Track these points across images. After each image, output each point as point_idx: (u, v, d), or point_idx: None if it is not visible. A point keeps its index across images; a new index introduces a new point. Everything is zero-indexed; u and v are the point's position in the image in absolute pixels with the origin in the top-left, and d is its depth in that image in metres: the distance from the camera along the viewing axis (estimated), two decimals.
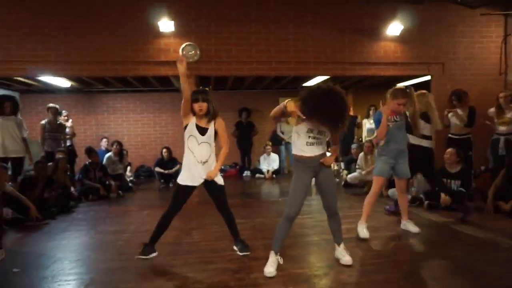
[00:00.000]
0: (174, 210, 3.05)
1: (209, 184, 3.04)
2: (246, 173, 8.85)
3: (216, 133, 3.03)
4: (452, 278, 2.55)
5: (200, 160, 2.97)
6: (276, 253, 2.76)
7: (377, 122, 3.64)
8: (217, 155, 3.10)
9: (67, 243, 3.70)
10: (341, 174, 7.32)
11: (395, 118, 3.57)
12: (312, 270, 2.84)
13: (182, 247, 3.43)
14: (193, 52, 5.51)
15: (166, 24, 5.34)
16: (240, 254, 3.12)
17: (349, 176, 6.53)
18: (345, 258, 2.84)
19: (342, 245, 2.90)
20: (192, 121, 2.97)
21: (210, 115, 2.97)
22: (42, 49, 5.22)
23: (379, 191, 3.75)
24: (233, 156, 9.45)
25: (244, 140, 9.04)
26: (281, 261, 2.76)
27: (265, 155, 8.69)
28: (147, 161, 9.25)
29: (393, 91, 3.53)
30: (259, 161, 8.93)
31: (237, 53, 5.66)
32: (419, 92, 4.24)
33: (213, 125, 3.00)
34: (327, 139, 2.75)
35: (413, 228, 3.71)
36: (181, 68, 2.85)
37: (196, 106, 2.91)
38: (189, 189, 3.04)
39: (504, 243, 3.26)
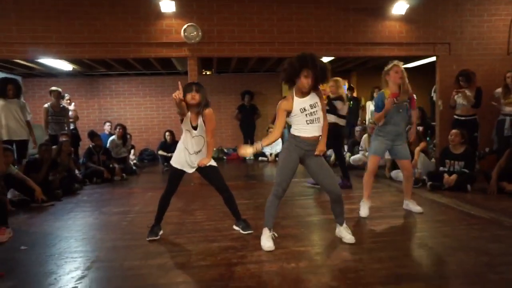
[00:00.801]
0: (170, 191, 3.13)
1: (201, 169, 3.12)
2: (249, 156, 8.85)
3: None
4: (454, 255, 2.56)
5: (192, 151, 3.06)
6: (269, 229, 2.81)
7: (377, 104, 3.60)
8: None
9: (72, 223, 3.75)
10: (345, 156, 7.29)
11: (395, 100, 3.50)
12: (314, 248, 2.86)
13: (185, 227, 3.46)
14: (195, 33, 5.45)
15: (167, 5, 5.26)
16: (244, 232, 3.16)
17: (352, 157, 6.52)
18: (348, 236, 2.86)
19: (344, 225, 2.91)
20: (187, 116, 3.01)
21: (201, 107, 2.98)
22: (42, 31, 5.17)
23: (375, 170, 3.77)
24: (236, 140, 9.46)
25: (247, 123, 9.01)
26: (275, 235, 2.84)
27: None
28: (151, 145, 9.29)
29: (387, 65, 3.56)
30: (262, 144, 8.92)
31: (239, 34, 5.58)
32: (335, 78, 4.95)
33: (201, 119, 3.02)
34: (321, 117, 2.73)
35: (415, 208, 3.72)
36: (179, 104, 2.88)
37: (189, 96, 2.92)
38: (180, 172, 3.11)
39: (507, 222, 3.26)
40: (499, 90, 5.32)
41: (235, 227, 3.27)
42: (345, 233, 2.89)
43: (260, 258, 2.62)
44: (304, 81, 2.59)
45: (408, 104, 3.61)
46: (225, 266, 2.51)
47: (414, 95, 3.70)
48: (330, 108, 4.75)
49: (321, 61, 2.63)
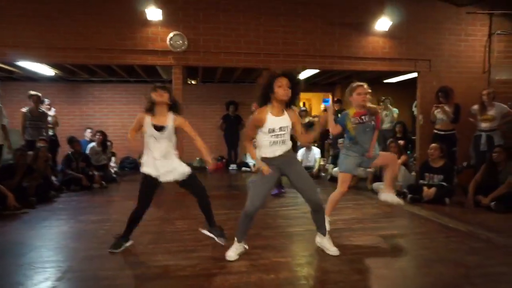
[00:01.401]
0: (143, 205, 2.94)
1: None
2: (232, 166, 8.81)
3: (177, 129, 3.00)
4: (432, 267, 2.58)
5: (159, 156, 2.92)
6: (239, 242, 2.78)
7: (340, 123, 3.46)
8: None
9: (46, 232, 3.61)
10: (327, 168, 7.35)
11: (359, 119, 3.36)
12: (294, 259, 2.84)
13: (164, 236, 3.38)
14: (180, 42, 5.44)
15: (153, 12, 5.25)
16: (218, 241, 3.05)
17: (334, 169, 6.55)
18: (332, 248, 2.83)
19: (327, 236, 2.88)
20: (147, 122, 2.90)
21: (173, 108, 2.95)
22: (24, 34, 5.06)
23: (346, 190, 3.44)
24: (220, 150, 9.40)
25: (231, 133, 8.98)
26: (246, 247, 2.81)
27: None
28: (132, 153, 9.09)
29: (350, 86, 3.44)
30: (245, 154, 8.90)
31: (225, 44, 5.61)
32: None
33: (172, 122, 2.93)
34: (289, 134, 2.71)
35: (392, 199, 3.49)
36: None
37: (157, 95, 2.86)
38: (154, 181, 2.94)
39: (483, 235, 3.32)
40: (475, 106, 5.50)
41: (205, 232, 3.12)
42: (328, 245, 2.86)
43: (240, 269, 2.58)
44: (280, 91, 2.55)
45: (374, 123, 3.41)
46: (204, 276, 2.45)
47: (380, 115, 3.65)
48: None
49: (294, 72, 2.63)
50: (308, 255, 2.90)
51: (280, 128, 2.63)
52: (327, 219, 3.39)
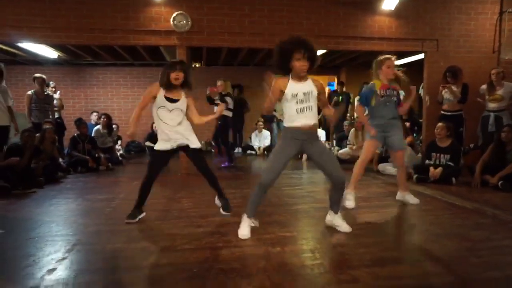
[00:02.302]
0: (151, 177, 3.08)
1: (185, 149, 3.13)
2: (238, 149, 8.83)
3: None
4: (438, 242, 2.58)
5: (172, 124, 3.03)
6: (249, 217, 2.73)
7: (365, 95, 3.56)
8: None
9: (54, 209, 3.66)
10: (332, 151, 7.34)
11: (384, 92, 3.45)
12: (300, 233, 2.85)
13: (171, 213, 3.42)
14: (184, 21, 5.38)
15: None
16: (223, 212, 3.20)
17: (339, 151, 6.55)
18: (344, 225, 2.78)
19: (339, 214, 2.83)
20: (160, 94, 3.01)
21: (186, 87, 3.03)
22: (26, 14, 5.03)
23: (370, 158, 3.66)
24: None
25: (236, 117, 8.93)
26: (257, 224, 2.75)
27: (256, 131, 8.66)
28: (137, 136, 9.12)
29: (378, 59, 3.50)
30: (250, 137, 8.90)
31: (229, 24, 5.54)
32: (224, 79, 6.39)
33: (184, 98, 3.07)
34: (316, 104, 2.65)
35: (412, 199, 3.65)
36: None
37: (173, 75, 2.94)
38: (165, 156, 3.10)
39: (489, 211, 3.31)
40: (484, 86, 5.41)
41: (216, 202, 3.33)
42: (340, 222, 2.80)
43: (246, 243, 2.60)
44: (298, 64, 2.49)
45: (396, 98, 3.53)
46: (210, 249, 2.47)
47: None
48: (222, 102, 5.47)
49: (312, 42, 2.53)
50: (314, 230, 2.92)
51: (304, 94, 2.56)
52: (352, 195, 3.54)
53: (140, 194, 3.10)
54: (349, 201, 3.55)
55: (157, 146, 3.09)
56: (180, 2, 5.39)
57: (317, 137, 2.75)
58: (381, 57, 3.49)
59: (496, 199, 3.85)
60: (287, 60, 2.52)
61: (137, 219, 3.08)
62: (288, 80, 2.59)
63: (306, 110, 2.59)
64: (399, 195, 3.78)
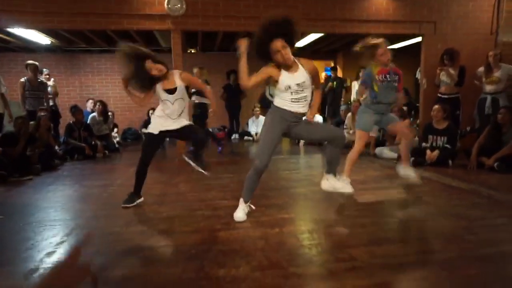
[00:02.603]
0: (146, 160, 3.06)
1: (177, 132, 3.08)
2: (235, 136, 8.81)
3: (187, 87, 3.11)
4: (434, 220, 2.61)
5: (175, 116, 3.03)
6: (246, 202, 2.71)
7: (365, 80, 3.46)
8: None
9: (51, 195, 3.65)
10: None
11: (383, 77, 3.36)
12: (298, 215, 2.87)
13: (168, 197, 3.42)
14: (178, 5, 5.29)
15: None
16: (196, 168, 3.17)
17: None
18: (347, 186, 2.81)
19: (338, 177, 2.80)
20: (158, 89, 2.98)
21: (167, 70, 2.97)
22: None
23: (363, 148, 3.57)
24: (222, 119, 9.37)
25: (233, 103, 8.88)
26: (253, 208, 2.76)
27: (253, 117, 8.62)
28: (134, 124, 9.11)
29: (368, 48, 3.29)
30: (247, 124, 8.88)
31: (224, 7, 5.45)
32: (200, 67, 6.17)
33: (179, 80, 3.00)
34: (310, 90, 2.60)
35: (412, 173, 3.56)
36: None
37: (153, 69, 2.87)
38: (158, 139, 3.09)
39: (485, 192, 3.34)
40: (481, 69, 5.39)
41: (185, 158, 3.21)
42: (340, 184, 2.81)
43: (244, 225, 2.61)
44: (280, 57, 2.39)
45: (397, 82, 3.44)
46: (208, 231, 2.48)
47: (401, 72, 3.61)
48: (198, 91, 5.55)
49: (286, 19, 2.42)
50: (311, 212, 2.95)
51: (298, 85, 2.49)
52: (346, 180, 3.34)
53: (136, 178, 3.09)
54: (346, 187, 3.47)
55: (152, 129, 3.07)
56: None
57: (304, 120, 2.72)
58: (369, 43, 3.28)
59: (492, 180, 3.89)
60: (267, 54, 2.43)
61: (135, 203, 3.08)
62: (281, 70, 2.50)
63: (301, 100, 2.55)
64: (400, 169, 3.65)
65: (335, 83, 7.92)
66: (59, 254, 2.15)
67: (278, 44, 2.39)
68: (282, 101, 2.57)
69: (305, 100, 2.57)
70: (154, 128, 3.05)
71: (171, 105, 2.99)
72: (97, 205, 3.24)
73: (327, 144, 2.73)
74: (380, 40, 3.30)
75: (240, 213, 2.68)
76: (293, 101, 2.54)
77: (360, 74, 7.58)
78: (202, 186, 3.78)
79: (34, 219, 2.84)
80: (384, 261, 1.97)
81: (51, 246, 2.27)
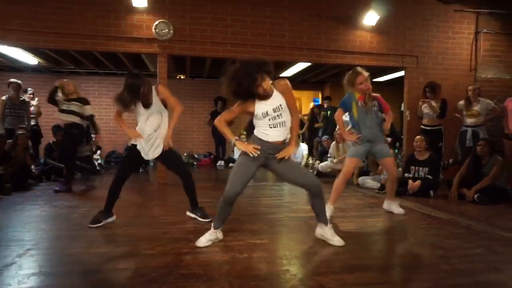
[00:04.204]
0: (123, 175, 3.01)
1: (160, 155, 3.08)
2: (220, 163, 8.72)
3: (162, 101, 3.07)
4: (409, 249, 2.53)
5: (150, 131, 3.01)
6: (215, 228, 2.58)
7: (345, 103, 3.51)
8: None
9: (17, 214, 3.47)
10: (314, 165, 7.29)
11: (361, 104, 3.40)
12: (271, 241, 2.74)
13: (139, 220, 3.27)
14: (166, 30, 5.36)
15: None
16: (202, 220, 3.14)
17: (320, 164, 6.51)
18: (335, 238, 2.59)
19: (329, 225, 2.66)
20: (136, 107, 3.00)
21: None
22: (2, 15, 4.92)
23: (350, 173, 3.57)
24: (208, 146, 9.33)
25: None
26: (220, 236, 2.60)
27: None
28: (118, 147, 8.98)
29: (349, 77, 3.40)
30: (233, 151, 8.82)
31: (212, 34, 5.54)
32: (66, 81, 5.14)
33: (155, 94, 3.00)
34: (289, 117, 2.50)
35: (397, 209, 3.62)
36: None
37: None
38: (139, 157, 3.05)
39: (464, 222, 3.28)
40: (461, 102, 5.50)
41: (189, 214, 3.24)
42: (331, 235, 2.60)
43: (212, 249, 2.48)
44: (262, 89, 2.32)
45: (377, 107, 3.49)
46: (173, 255, 2.35)
47: (379, 96, 3.66)
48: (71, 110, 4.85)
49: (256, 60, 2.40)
50: (286, 238, 2.83)
51: (274, 110, 2.42)
52: (330, 208, 3.34)
53: (109, 195, 2.99)
54: (336, 240, 3.31)
55: (134, 141, 3.04)
56: (163, 10, 5.39)
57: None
58: (350, 74, 3.38)
59: (472, 211, 3.84)
60: (251, 91, 2.35)
61: (102, 223, 2.94)
62: (254, 102, 2.43)
63: (279, 126, 2.47)
64: (385, 204, 3.75)
65: (329, 112, 7.99)
66: (4, 276, 1.98)
67: (263, 76, 2.32)
68: (260, 130, 2.50)
69: (283, 126, 2.48)
70: (138, 142, 3.02)
71: (146, 119, 3.00)
72: (62, 225, 3.08)
73: (308, 194, 2.62)
74: (361, 69, 3.37)
75: (203, 238, 2.55)
76: (271, 127, 2.46)
77: None
78: (177, 210, 3.64)
79: None
80: None
81: None
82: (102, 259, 2.27)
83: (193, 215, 3.21)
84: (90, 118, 5.14)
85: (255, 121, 2.54)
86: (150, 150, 3.05)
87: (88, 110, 5.01)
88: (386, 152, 3.56)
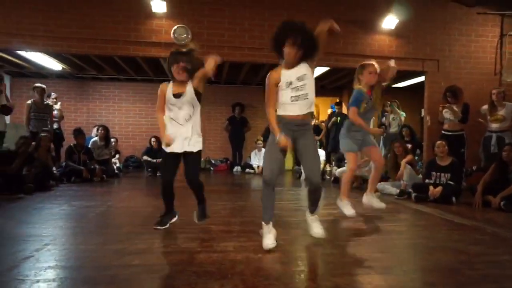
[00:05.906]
0: (167, 178, 2.87)
1: (186, 154, 2.86)
2: (237, 168, 8.72)
3: (197, 92, 2.82)
4: (431, 254, 2.41)
5: (182, 121, 2.81)
6: (267, 223, 2.49)
7: (356, 98, 3.47)
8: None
9: (36, 212, 3.55)
10: (332, 171, 7.18)
11: (369, 97, 3.45)
12: (286, 243, 2.68)
13: (155, 220, 3.27)
14: (184, 35, 5.45)
15: (158, 5, 5.28)
16: (196, 221, 2.99)
17: (337, 170, 6.40)
18: (316, 229, 2.58)
19: (315, 216, 2.66)
20: (168, 92, 2.79)
21: (189, 76, 2.77)
22: (29, 22, 5.14)
23: (355, 167, 3.66)
24: (224, 151, 9.35)
25: (236, 135, 8.92)
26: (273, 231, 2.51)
27: (256, 150, 8.57)
28: (137, 152, 9.12)
29: (361, 65, 3.50)
30: (250, 156, 8.81)
31: (229, 38, 5.59)
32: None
33: (190, 86, 2.79)
34: (312, 90, 2.47)
35: (377, 203, 3.60)
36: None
37: (176, 72, 2.71)
38: (175, 155, 2.83)
39: (489, 229, 3.12)
40: (485, 107, 5.32)
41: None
42: (314, 224, 2.61)
43: (226, 249, 2.45)
44: (287, 50, 2.34)
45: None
46: (187, 253, 2.33)
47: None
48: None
49: (310, 31, 2.42)
50: (301, 241, 2.76)
51: (298, 78, 2.39)
52: (346, 203, 3.46)
53: (163, 199, 2.91)
54: (348, 210, 3.42)
55: (167, 149, 2.83)
56: (182, 15, 5.49)
57: (310, 128, 2.60)
58: (364, 63, 3.50)
59: (498, 218, 3.66)
60: (280, 43, 2.38)
61: (167, 225, 2.89)
62: (280, 70, 2.45)
63: (301, 98, 2.43)
64: (365, 198, 3.69)
65: (339, 118, 7.88)
66: (22, 268, 2.01)
67: (293, 42, 2.34)
68: (283, 105, 2.48)
69: (305, 99, 2.44)
70: (171, 147, 2.82)
71: (178, 110, 2.80)
72: (80, 223, 3.12)
73: (307, 186, 2.64)
74: (374, 62, 3.47)
75: (268, 239, 2.41)
76: (293, 100, 2.43)
77: None
78: (194, 211, 3.63)
79: (6, 234, 2.72)
80: None
81: (16, 260, 2.13)
82: (117, 255, 2.27)
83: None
84: None
85: (279, 96, 2.48)
86: (185, 142, 2.82)
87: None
88: (373, 141, 3.61)
